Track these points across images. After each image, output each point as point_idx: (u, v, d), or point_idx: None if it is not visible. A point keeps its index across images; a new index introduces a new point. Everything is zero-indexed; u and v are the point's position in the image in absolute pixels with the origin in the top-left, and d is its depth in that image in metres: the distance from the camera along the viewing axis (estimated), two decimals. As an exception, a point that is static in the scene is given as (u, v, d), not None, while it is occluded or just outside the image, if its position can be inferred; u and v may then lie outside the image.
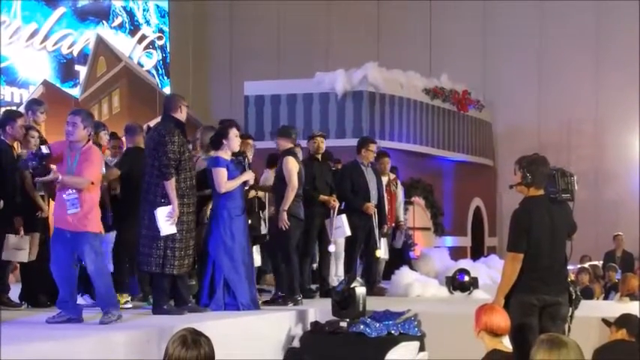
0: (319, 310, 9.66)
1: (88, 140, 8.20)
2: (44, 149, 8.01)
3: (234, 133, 9.55)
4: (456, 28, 23.22)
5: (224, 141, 9.51)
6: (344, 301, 9.15)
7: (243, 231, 9.59)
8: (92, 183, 8.00)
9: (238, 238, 9.52)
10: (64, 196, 7.97)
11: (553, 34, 22.75)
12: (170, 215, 8.77)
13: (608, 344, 7.13)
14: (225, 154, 9.53)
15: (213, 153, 9.71)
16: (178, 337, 4.36)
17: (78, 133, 8.06)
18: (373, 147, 12.18)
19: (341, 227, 11.44)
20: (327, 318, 9.29)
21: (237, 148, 9.65)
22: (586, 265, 16.23)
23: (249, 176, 9.72)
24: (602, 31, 22.29)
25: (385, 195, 12.59)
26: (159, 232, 8.79)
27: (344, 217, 11.48)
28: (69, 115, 8.26)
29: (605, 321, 7.05)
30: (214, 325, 8.04)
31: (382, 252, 12.30)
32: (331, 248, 11.52)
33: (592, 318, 8.31)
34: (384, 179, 12.90)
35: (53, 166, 8.02)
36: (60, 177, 7.91)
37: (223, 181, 9.41)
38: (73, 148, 8.08)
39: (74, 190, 7.94)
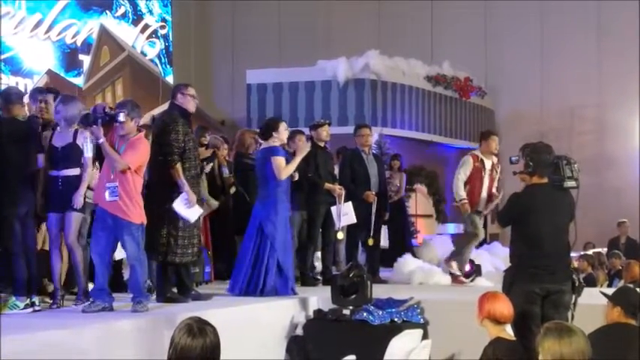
0: (322, 298, 9.68)
1: (139, 131, 8.28)
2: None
3: (283, 126, 9.96)
4: (457, 14, 23.17)
5: (274, 133, 9.87)
6: (351, 288, 9.18)
7: (286, 218, 9.94)
8: (129, 168, 8.03)
9: (285, 224, 9.85)
10: (106, 183, 8.03)
11: (554, 20, 22.70)
12: (187, 201, 8.80)
13: (602, 329, 6.28)
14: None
15: (265, 144, 9.99)
16: (184, 326, 4.39)
17: (126, 125, 8.14)
18: (364, 131, 12.11)
19: (348, 214, 11.46)
20: (330, 306, 9.32)
21: (286, 140, 10.15)
22: (590, 252, 16.21)
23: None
24: (603, 17, 22.22)
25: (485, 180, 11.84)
26: (162, 221, 8.82)
27: (350, 204, 11.51)
28: (115, 108, 8.37)
29: (603, 293, 6.76)
30: (218, 314, 8.08)
31: (382, 240, 12.30)
32: (340, 235, 11.56)
33: (594, 305, 8.33)
34: (488, 163, 12.00)
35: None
36: (102, 140, 7.98)
37: (282, 167, 9.71)
38: (123, 138, 8.18)
39: (115, 180, 7.99)
